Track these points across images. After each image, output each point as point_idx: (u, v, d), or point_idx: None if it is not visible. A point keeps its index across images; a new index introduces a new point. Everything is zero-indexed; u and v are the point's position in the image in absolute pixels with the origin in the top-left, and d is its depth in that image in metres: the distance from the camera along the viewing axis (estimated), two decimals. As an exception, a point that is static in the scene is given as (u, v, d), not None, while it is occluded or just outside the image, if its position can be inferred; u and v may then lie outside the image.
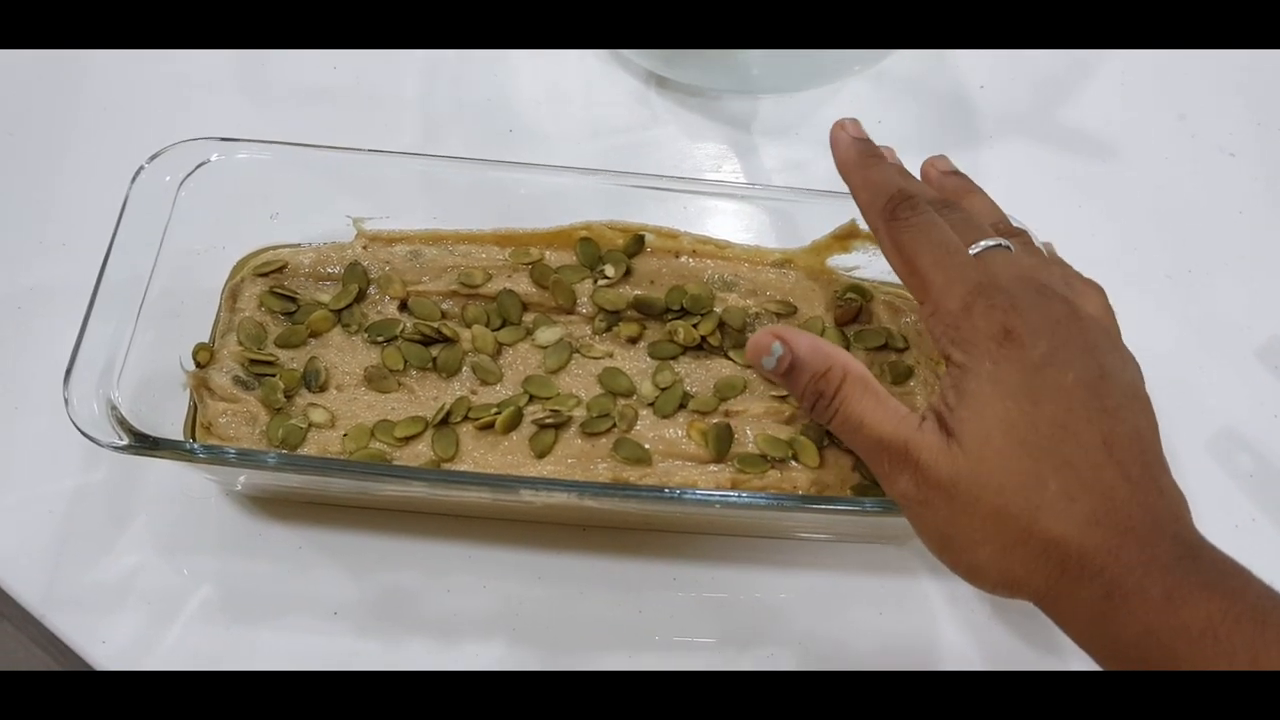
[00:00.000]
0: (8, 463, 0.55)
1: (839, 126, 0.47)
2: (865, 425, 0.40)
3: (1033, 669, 0.52)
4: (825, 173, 0.67)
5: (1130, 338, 0.62)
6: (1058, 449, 0.38)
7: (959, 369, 0.40)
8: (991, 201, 0.49)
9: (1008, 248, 0.44)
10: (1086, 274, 0.47)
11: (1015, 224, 0.48)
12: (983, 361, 0.39)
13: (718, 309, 0.56)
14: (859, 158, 0.46)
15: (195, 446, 0.48)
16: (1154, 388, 0.54)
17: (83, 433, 0.46)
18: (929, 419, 0.40)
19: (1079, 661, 0.43)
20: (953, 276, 0.41)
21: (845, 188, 0.58)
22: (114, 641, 0.50)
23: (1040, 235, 0.54)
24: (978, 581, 0.40)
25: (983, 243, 0.43)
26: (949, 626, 0.53)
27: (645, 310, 0.56)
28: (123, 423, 0.47)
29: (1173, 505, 0.39)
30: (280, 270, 0.56)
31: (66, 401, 0.47)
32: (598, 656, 0.51)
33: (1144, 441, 0.40)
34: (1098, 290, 0.45)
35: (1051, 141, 0.71)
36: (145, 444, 0.46)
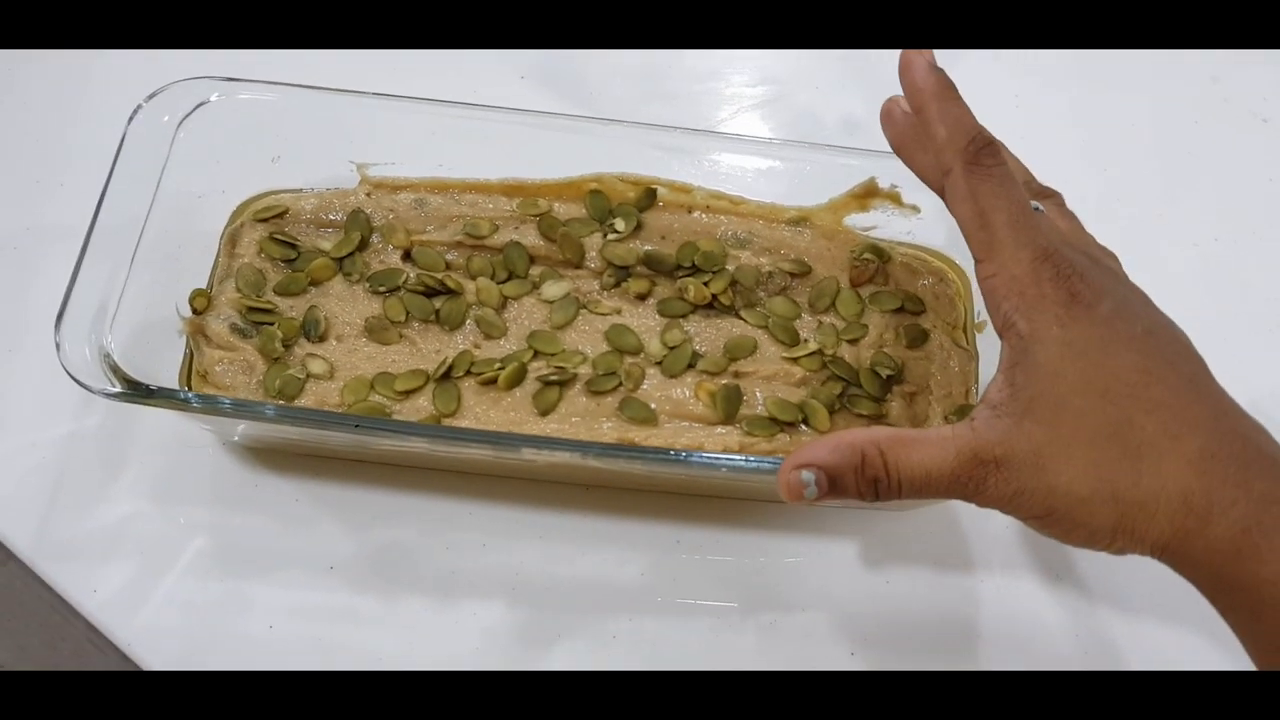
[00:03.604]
0: (1, 407, 0.53)
1: (913, 53, 0.43)
2: (930, 470, 0.38)
3: (1036, 638, 0.51)
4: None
5: (1157, 305, 0.60)
6: (1145, 393, 0.37)
7: (1021, 339, 0.37)
8: (1017, 159, 0.47)
9: (1041, 209, 0.42)
10: (1113, 241, 0.46)
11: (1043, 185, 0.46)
12: (1050, 327, 0.37)
13: (730, 267, 0.54)
14: (938, 87, 0.41)
15: (190, 396, 0.47)
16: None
17: (74, 379, 0.45)
18: (980, 415, 0.38)
19: (1074, 655, 0.42)
20: (1023, 239, 0.38)
21: (864, 144, 0.56)
22: (105, 591, 0.49)
23: (1065, 196, 0.53)
24: (1097, 543, 0.37)
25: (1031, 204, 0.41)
26: (951, 594, 0.52)
27: (655, 266, 0.54)
28: (115, 369, 0.45)
29: (1268, 435, 0.38)
30: (281, 216, 0.55)
31: (58, 346, 0.45)
32: (598, 619, 0.50)
33: (1215, 381, 0.39)
34: (1116, 256, 0.44)
35: (1078, 104, 0.69)
36: (139, 392, 0.45)
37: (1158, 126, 0.68)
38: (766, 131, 0.66)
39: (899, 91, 0.43)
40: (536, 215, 0.55)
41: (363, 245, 0.54)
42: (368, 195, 0.55)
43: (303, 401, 0.50)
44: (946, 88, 0.42)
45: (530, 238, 0.55)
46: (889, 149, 0.57)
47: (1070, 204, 0.53)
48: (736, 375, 0.52)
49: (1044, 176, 0.54)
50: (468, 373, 0.51)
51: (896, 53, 0.69)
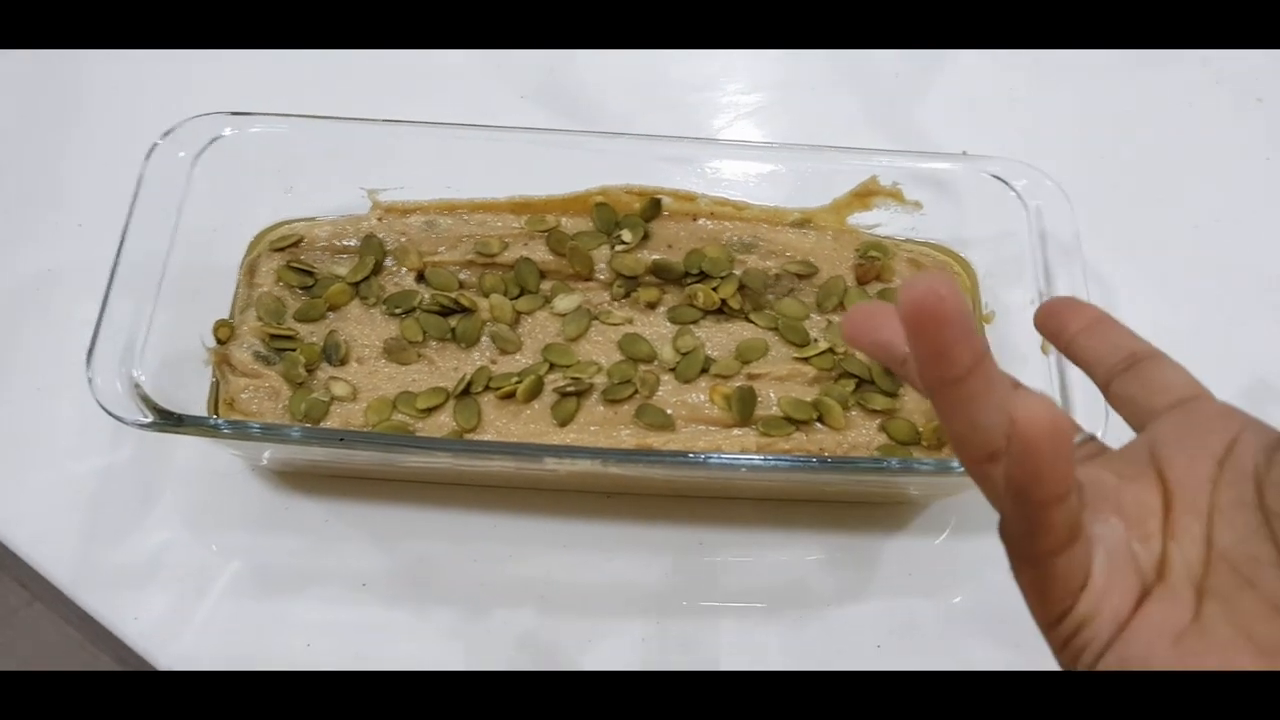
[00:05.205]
0: (34, 444, 0.55)
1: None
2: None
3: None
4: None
5: (1158, 290, 0.61)
6: None
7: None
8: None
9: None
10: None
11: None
12: None
13: (737, 271, 0.55)
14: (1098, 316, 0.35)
15: (220, 422, 0.48)
16: (1183, 339, 0.52)
17: (108, 411, 0.46)
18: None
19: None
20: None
21: (862, 143, 0.57)
22: (146, 618, 0.51)
23: (1064, 186, 0.54)
24: None
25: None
26: (978, 588, 0.53)
27: (664, 275, 0.55)
28: (147, 400, 0.47)
29: None
30: (296, 244, 0.56)
31: (90, 381, 0.47)
32: (627, 623, 0.51)
33: None
34: None
35: (1073, 93, 0.70)
36: (170, 421, 0.46)
37: (1152, 111, 0.69)
38: (765, 136, 0.68)
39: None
40: (545, 231, 0.56)
41: (377, 269, 0.55)
42: (379, 220, 0.57)
43: (328, 423, 0.51)
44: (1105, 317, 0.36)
45: (540, 253, 0.56)
46: (887, 148, 0.58)
47: (1070, 194, 0.54)
48: (750, 378, 0.53)
49: (1040, 162, 0.55)
50: (486, 388, 0.52)
51: (889, 53, 0.71)
